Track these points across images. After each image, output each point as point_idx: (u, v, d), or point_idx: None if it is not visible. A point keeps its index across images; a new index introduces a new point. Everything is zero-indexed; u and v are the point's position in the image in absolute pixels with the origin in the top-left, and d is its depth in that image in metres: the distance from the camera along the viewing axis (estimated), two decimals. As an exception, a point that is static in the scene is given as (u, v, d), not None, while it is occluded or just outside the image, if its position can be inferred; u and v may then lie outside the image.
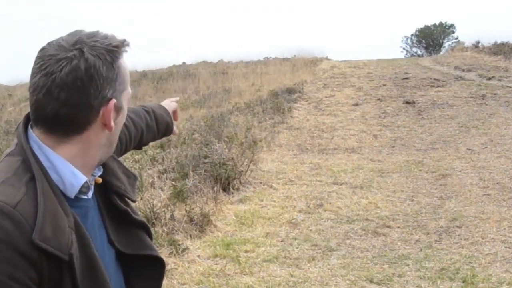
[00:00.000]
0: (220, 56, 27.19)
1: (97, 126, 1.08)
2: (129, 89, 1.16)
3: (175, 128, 1.89)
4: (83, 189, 1.11)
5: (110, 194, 1.23)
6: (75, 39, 1.05)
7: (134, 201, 1.30)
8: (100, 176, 1.20)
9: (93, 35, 1.08)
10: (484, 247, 5.00)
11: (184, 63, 24.76)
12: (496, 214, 5.87)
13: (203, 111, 13.08)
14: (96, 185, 1.19)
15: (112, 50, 1.08)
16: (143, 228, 1.30)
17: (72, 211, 1.06)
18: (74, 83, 1.02)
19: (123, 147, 1.56)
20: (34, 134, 1.07)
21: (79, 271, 1.02)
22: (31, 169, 1.03)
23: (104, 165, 1.21)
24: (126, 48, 1.12)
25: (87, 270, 1.05)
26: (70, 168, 1.07)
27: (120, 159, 1.41)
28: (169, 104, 1.87)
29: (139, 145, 1.72)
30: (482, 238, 5.21)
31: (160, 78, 19.62)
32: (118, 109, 1.12)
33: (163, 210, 5.25)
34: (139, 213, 1.36)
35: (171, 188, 5.90)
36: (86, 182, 1.10)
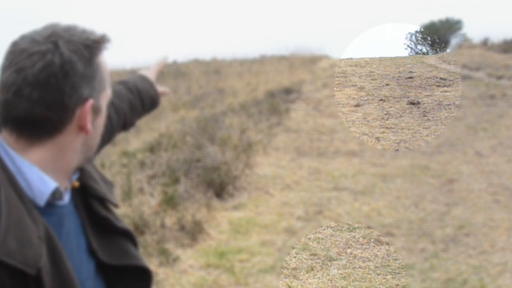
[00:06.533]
0: (213, 54, 27.17)
1: (72, 128, 1.04)
2: (109, 90, 1.12)
3: (165, 89, 1.81)
4: (56, 195, 1.06)
5: (89, 199, 1.19)
6: (49, 32, 1.02)
7: (116, 206, 1.25)
8: (78, 180, 1.16)
9: (70, 28, 1.04)
10: (493, 256, 5.02)
11: (175, 61, 24.74)
12: (506, 222, 5.89)
13: (195, 112, 13.06)
14: (75, 189, 1.16)
15: (90, 45, 1.03)
16: (128, 236, 1.24)
17: (43, 220, 1.01)
18: (48, 80, 0.98)
19: (105, 137, 1.49)
20: (1, 137, 1.04)
21: (49, 287, 0.98)
22: None
23: (81, 168, 1.17)
24: (107, 44, 1.08)
25: (59, 286, 1.00)
26: (37, 173, 1.02)
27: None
28: (152, 70, 1.78)
29: (124, 128, 1.67)
30: (491, 247, 5.23)
31: (149, 77, 19.59)
32: (96, 110, 1.08)
33: (153, 217, 5.25)
34: (123, 220, 1.32)
35: (162, 194, 5.90)
36: (57, 188, 1.05)
